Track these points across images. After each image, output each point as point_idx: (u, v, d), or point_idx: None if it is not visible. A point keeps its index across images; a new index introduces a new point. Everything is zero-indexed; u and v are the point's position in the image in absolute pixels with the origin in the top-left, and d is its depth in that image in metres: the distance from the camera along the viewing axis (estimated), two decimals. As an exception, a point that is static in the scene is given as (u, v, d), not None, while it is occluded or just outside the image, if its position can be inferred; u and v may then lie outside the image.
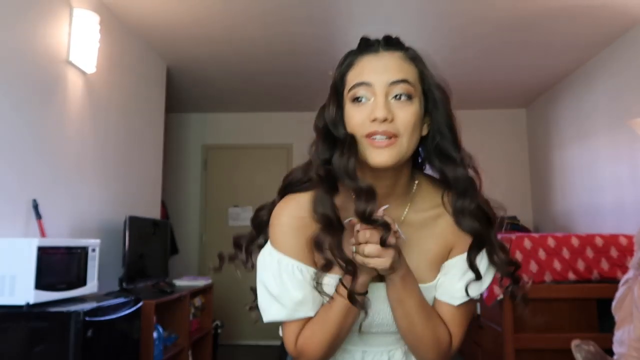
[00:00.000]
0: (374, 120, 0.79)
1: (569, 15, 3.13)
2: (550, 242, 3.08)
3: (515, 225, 4.74)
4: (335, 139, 0.84)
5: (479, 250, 0.88)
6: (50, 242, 2.04)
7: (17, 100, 2.24)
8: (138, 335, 2.43)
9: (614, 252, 3.04)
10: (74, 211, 2.67)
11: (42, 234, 2.30)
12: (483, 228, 0.87)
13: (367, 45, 0.86)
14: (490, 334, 3.29)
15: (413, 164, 0.91)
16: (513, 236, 3.16)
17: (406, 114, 0.80)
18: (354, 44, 0.91)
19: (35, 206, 2.30)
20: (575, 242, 3.08)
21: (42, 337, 1.88)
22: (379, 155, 0.80)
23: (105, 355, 2.10)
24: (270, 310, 0.87)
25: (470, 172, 0.88)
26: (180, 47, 3.67)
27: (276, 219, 0.89)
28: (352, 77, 0.84)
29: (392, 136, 0.80)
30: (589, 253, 3.05)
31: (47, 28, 2.45)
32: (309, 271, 0.87)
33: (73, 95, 2.67)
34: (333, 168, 0.82)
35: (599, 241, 3.08)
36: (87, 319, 1.92)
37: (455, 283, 0.89)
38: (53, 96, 2.50)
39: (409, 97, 0.81)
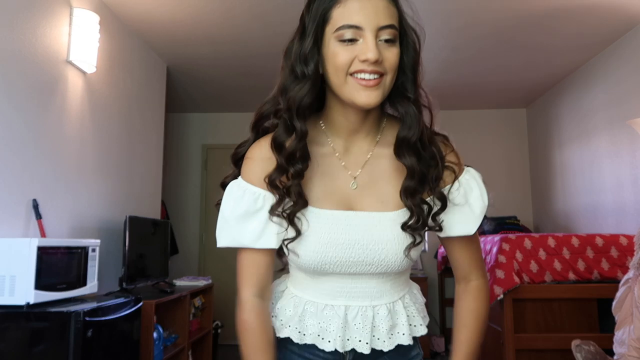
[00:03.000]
0: (365, 60, 0.81)
1: (569, 15, 3.13)
2: (551, 242, 3.08)
3: (515, 225, 4.74)
4: (303, 72, 0.86)
5: (415, 186, 0.88)
6: (50, 242, 2.04)
7: (17, 100, 2.24)
8: (138, 335, 2.43)
9: (614, 252, 3.04)
10: (74, 211, 2.67)
11: (42, 234, 2.30)
12: (421, 165, 0.87)
13: None
14: (491, 333, 3.29)
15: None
16: (513, 236, 3.16)
17: (392, 55, 0.83)
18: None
19: (35, 206, 2.30)
20: (575, 242, 3.08)
21: (42, 337, 1.88)
22: (367, 96, 0.82)
23: (105, 355, 2.10)
24: (222, 234, 0.90)
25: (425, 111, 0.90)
26: (180, 47, 3.66)
27: (248, 155, 0.93)
28: (338, 16, 0.83)
29: (381, 74, 0.82)
30: (590, 253, 3.05)
31: (47, 28, 2.44)
32: (274, 201, 0.89)
33: (73, 95, 2.67)
34: (288, 97, 0.86)
35: (599, 241, 3.08)
36: (87, 319, 1.92)
37: (461, 211, 0.91)
38: (53, 96, 2.50)
39: (394, 40, 0.84)
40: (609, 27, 3.32)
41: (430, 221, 0.89)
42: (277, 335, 0.93)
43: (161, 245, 3.51)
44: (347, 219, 0.88)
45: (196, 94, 4.82)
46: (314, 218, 0.88)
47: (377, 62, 0.81)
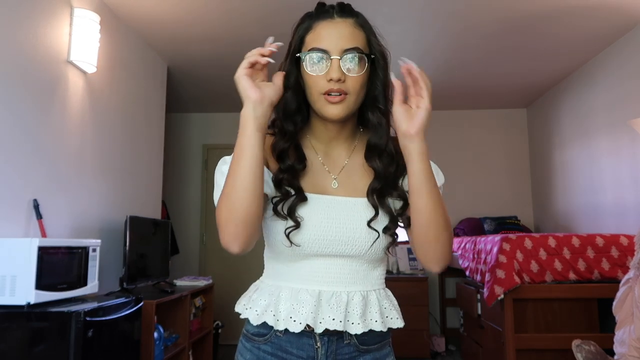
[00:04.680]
0: (330, 80, 0.92)
1: (570, 15, 3.13)
2: (551, 242, 3.08)
3: (515, 225, 4.74)
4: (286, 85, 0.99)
5: (379, 187, 0.97)
6: (50, 242, 2.04)
7: (18, 101, 2.24)
8: (139, 335, 2.43)
9: (614, 252, 3.04)
10: (75, 211, 2.67)
11: (43, 234, 2.30)
12: (386, 168, 0.98)
13: (323, 11, 0.97)
14: (491, 334, 3.29)
15: (361, 114, 1.04)
16: (514, 236, 3.17)
17: (354, 79, 0.93)
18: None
19: (36, 206, 2.30)
20: (576, 242, 3.08)
21: (43, 337, 1.88)
22: (333, 109, 0.94)
23: (105, 356, 2.10)
24: (219, 190, 0.96)
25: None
26: (180, 47, 3.67)
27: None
28: (310, 41, 0.96)
29: (343, 93, 0.93)
30: (590, 253, 3.05)
31: (48, 28, 2.45)
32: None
33: (73, 95, 2.68)
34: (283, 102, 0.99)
35: (599, 241, 3.08)
36: (87, 319, 1.92)
37: None
38: (54, 96, 2.50)
39: (359, 60, 0.94)
40: (609, 27, 3.32)
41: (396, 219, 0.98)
42: (253, 323, 0.96)
43: (162, 245, 3.51)
44: (327, 201, 0.97)
45: (197, 94, 4.82)
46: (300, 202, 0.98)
47: (340, 81, 0.92)
